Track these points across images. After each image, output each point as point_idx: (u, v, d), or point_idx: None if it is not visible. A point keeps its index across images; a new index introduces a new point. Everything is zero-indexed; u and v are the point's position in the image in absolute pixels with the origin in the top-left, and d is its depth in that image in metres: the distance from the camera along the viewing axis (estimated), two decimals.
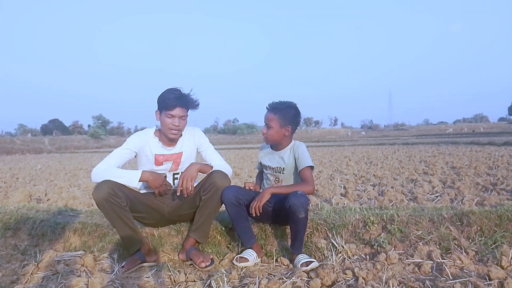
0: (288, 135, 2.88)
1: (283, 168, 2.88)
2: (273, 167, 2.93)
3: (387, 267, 2.40)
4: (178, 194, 2.69)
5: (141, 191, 2.92)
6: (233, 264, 2.67)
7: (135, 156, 2.86)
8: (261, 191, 2.95)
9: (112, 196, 2.56)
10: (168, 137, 2.82)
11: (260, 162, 3.07)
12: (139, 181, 2.67)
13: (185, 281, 2.39)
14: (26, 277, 2.46)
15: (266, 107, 2.88)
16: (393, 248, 2.71)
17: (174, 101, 2.70)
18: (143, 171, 2.70)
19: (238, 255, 2.71)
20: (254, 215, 2.64)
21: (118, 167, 2.73)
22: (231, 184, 2.79)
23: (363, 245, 2.81)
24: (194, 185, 2.74)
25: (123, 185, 2.68)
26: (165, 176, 2.87)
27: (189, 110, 2.82)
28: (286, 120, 2.83)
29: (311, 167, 2.81)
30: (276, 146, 2.97)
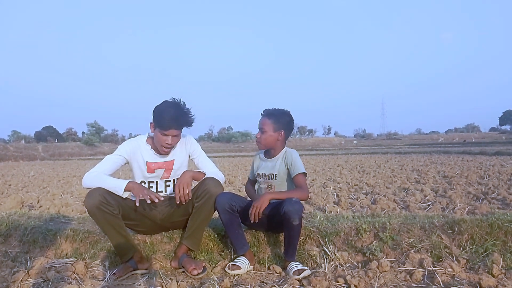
0: (281, 139, 2.91)
1: (275, 174, 2.89)
2: (266, 174, 2.94)
3: (379, 275, 2.41)
4: (178, 202, 2.69)
5: (133, 199, 2.91)
6: (226, 271, 2.66)
7: (127, 163, 2.85)
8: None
9: (104, 204, 2.55)
10: (159, 152, 2.83)
11: (255, 174, 3.08)
12: (124, 190, 2.64)
13: None
14: (16, 284, 2.43)
15: (261, 114, 2.93)
16: (385, 256, 2.72)
17: (169, 123, 2.66)
18: (129, 181, 2.68)
19: (231, 263, 2.70)
20: (253, 221, 2.62)
21: (110, 173, 2.73)
22: (224, 191, 2.79)
23: (355, 253, 2.82)
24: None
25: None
26: (150, 187, 2.89)
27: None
28: (280, 125, 2.88)
29: (304, 174, 2.83)
30: (268, 153, 3.00)
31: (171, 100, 2.73)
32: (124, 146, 2.85)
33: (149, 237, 3.01)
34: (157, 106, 2.73)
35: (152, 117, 2.76)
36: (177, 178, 2.90)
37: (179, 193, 2.66)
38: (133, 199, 2.89)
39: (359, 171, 10.69)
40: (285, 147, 2.98)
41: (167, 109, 2.68)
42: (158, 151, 2.85)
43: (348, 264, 2.70)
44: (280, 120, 2.89)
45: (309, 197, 3.17)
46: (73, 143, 63.95)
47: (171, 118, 2.66)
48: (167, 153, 2.83)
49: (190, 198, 2.70)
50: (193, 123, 2.80)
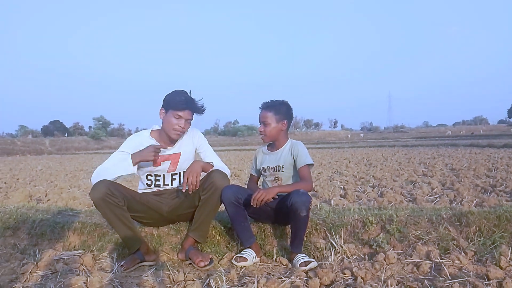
0: (284, 129, 2.95)
1: (282, 166, 2.90)
2: (272, 166, 2.94)
3: (386, 267, 2.40)
4: (183, 190, 2.68)
5: (139, 191, 2.92)
6: (232, 263, 2.67)
7: None
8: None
9: (109, 196, 2.56)
10: (170, 137, 2.83)
11: (260, 168, 3.08)
12: (134, 164, 2.66)
13: (184, 280, 2.38)
14: (25, 276, 2.46)
15: (259, 107, 2.97)
16: (392, 248, 2.71)
17: (184, 103, 2.71)
18: (131, 155, 2.70)
19: (237, 255, 2.71)
20: (254, 205, 2.62)
21: None
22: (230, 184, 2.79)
23: (362, 245, 2.82)
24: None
25: (120, 184, 2.70)
26: (157, 180, 2.92)
27: (194, 114, 2.84)
28: (281, 115, 2.92)
29: (310, 165, 2.85)
30: (272, 145, 3.03)
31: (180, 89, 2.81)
32: (128, 142, 2.85)
33: (156, 229, 3.03)
34: (168, 94, 2.79)
35: (162, 104, 2.80)
36: (183, 172, 2.91)
37: (187, 181, 2.66)
38: (139, 191, 2.91)
39: (366, 164, 10.65)
40: (289, 139, 3.00)
41: (180, 93, 2.77)
42: (165, 143, 2.85)
43: (355, 256, 2.70)
44: (280, 110, 2.92)
45: (313, 189, 3.17)
46: (80, 138, 64.30)
47: (185, 100, 2.73)
48: (178, 137, 2.84)
49: (198, 188, 2.70)
50: (204, 111, 2.85)
